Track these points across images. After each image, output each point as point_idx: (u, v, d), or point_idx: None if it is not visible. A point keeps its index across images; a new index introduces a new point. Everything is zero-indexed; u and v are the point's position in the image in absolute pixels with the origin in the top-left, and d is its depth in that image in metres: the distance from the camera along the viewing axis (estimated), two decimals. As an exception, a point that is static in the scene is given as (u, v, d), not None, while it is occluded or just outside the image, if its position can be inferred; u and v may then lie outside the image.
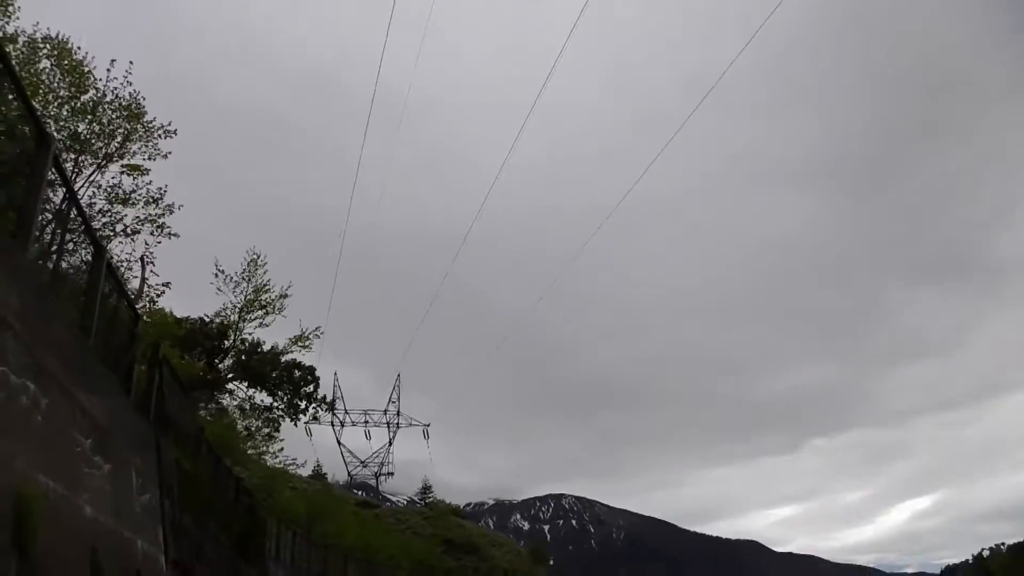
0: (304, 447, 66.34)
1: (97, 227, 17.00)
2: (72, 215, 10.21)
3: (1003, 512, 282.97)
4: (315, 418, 28.83)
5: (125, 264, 19.50)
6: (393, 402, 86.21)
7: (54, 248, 9.80)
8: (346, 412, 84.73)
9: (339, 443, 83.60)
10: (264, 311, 26.15)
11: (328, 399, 28.90)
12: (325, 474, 70.45)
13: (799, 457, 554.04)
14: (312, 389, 28.52)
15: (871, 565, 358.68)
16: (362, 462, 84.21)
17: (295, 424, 28.73)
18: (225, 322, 25.88)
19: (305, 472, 49.85)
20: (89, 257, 11.33)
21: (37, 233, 8.45)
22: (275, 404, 27.40)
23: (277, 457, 33.37)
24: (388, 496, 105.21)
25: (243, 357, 26.44)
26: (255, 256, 26.51)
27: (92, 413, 9.88)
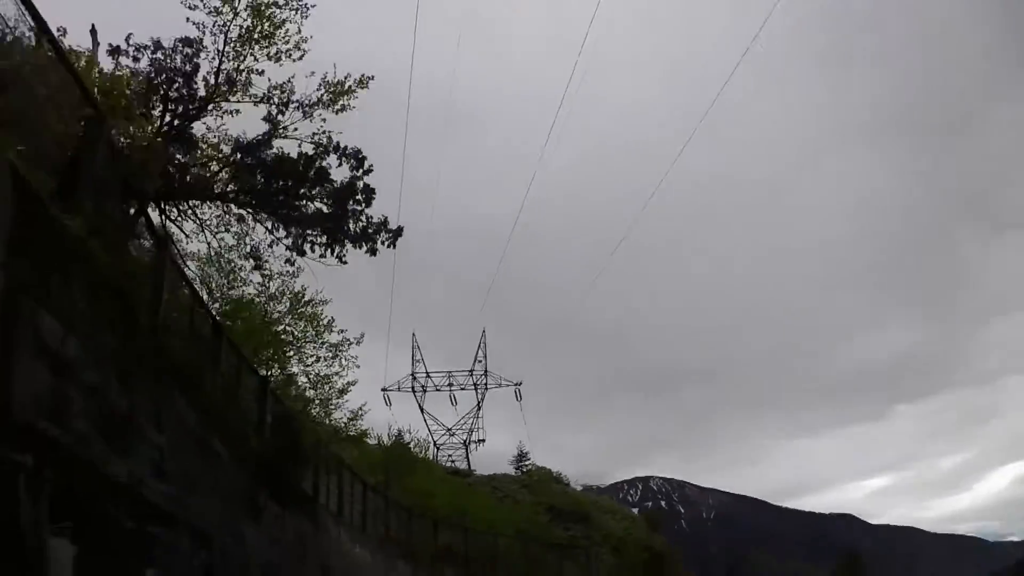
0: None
1: None
2: None
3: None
4: (372, 251, 18.01)
5: None
6: (480, 360, 76.16)
7: None
8: (427, 375, 75.18)
9: (421, 409, 74.11)
10: (269, 42, 14.51)
11: (391, 226, 17.53)
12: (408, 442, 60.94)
13: (889, 423, 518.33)
14: (364, 198, 16.35)
15: (972, 534, 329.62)
16: (448, 429, 74.57)
17: (341, 260, 16.86)
18: (198, 53, 14.32)
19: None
20: None
21: None
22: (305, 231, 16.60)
23: (326, 341, 22.38)
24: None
25: (239, 143, 15.15)
26: None
27: None
